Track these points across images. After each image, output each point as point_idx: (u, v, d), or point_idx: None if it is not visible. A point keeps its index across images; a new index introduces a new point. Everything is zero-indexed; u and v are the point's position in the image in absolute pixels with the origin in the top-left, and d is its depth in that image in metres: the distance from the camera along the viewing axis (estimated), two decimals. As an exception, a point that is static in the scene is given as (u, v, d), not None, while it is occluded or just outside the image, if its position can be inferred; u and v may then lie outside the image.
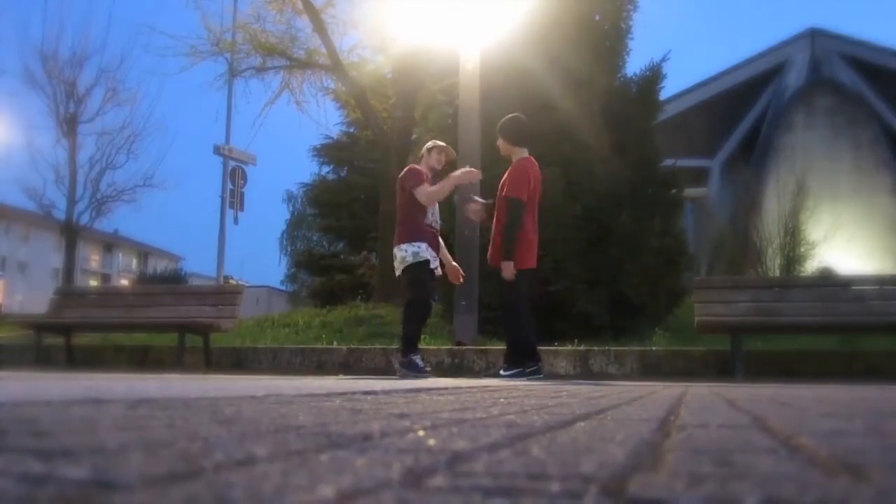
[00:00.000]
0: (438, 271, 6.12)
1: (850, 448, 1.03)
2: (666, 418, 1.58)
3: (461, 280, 6.50)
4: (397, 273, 6.08)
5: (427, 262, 5.92)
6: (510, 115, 6.25)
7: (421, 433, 1.12)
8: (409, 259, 5.90)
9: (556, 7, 9.49)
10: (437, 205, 6.21)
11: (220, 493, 0.58)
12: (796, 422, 1.53)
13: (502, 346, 7.57)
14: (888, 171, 19.55)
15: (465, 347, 7.52)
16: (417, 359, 5.86)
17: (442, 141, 6.41)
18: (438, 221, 6.25)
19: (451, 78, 10.62)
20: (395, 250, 6.01)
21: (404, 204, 6.03)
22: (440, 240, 6.27)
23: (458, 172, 6.14)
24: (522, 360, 5.93)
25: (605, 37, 10.37)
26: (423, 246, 5.92)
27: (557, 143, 9.19)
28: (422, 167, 6.20)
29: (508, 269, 5.78)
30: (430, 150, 6.27)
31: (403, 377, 5.56)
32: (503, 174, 6.16)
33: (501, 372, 5.93)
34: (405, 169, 6.25)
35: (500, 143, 6.16)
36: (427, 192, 5.97)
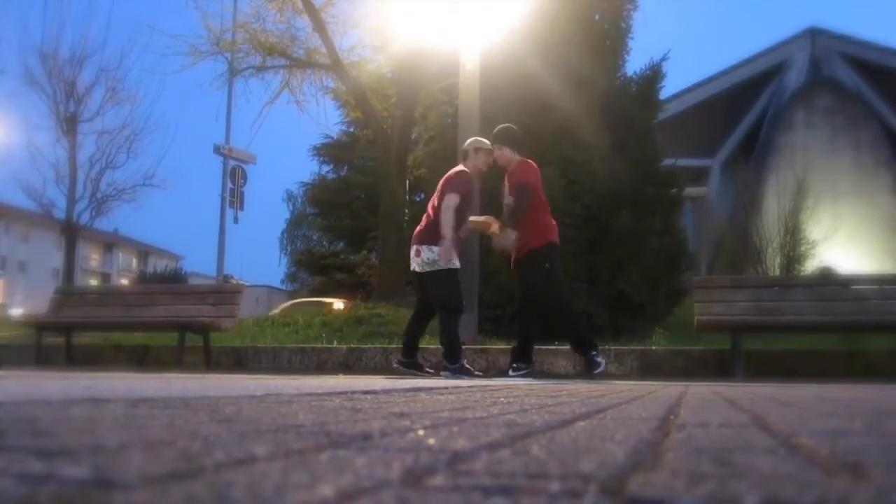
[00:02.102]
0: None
1: (851, 447, 1.03)
2: (666, 417, 1.58)
3: None
4: (419, 269, 5.95)
5: (458, 271, 5.94)
6: (502, 125, 6.26)
7: (421, 432, 1.12)
8: (442, 264, 5.84)
9: (556, 7, 9.49)
10: (469, 215, 6.13)
11: (220, 493, 0.58)
12: (796, 421, 1.53)
13: (502, 346, 7.58)
14: (888, 170, 19.56)
15: (465, 347, 7.52)
16: (466, 362, 5.94)
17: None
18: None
19: (451, 78, 10.61)
20: (424, 248, 5.88)
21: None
22: None
23: (478, 219, 6.06)
24: (593, 348, 5.95)
25: (605, 36, 10.38)
26: (455, 253, 5.92)
27: (557, 143, 9.20)
28: (467, 167, 6.10)
29: (509, 238, 5.84)
30: (477, 150, 6.12)
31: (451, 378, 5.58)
32: (502, 174, 6.18)
33: (595, 372, 5.86)
34: (456, 170, 6.10)
35: (501, 150, 6.13)
36: (448, 207, 5.82)
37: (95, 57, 20.77)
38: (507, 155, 6.12)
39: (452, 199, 5.85)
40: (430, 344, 7.92)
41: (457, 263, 5.92)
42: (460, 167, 6.16)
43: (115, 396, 1.89)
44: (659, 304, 9.37)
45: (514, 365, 6.05)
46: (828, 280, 8.66)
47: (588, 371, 5.90)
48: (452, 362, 5.91)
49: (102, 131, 20.61)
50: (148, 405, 1.60)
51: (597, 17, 10.45)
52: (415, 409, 1.72)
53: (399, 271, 11.47)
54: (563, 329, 6.23)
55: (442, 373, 5.90)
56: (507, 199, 6.05)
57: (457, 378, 5.56)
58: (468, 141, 6.36)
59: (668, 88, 12.70)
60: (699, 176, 19.42)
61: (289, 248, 35.42)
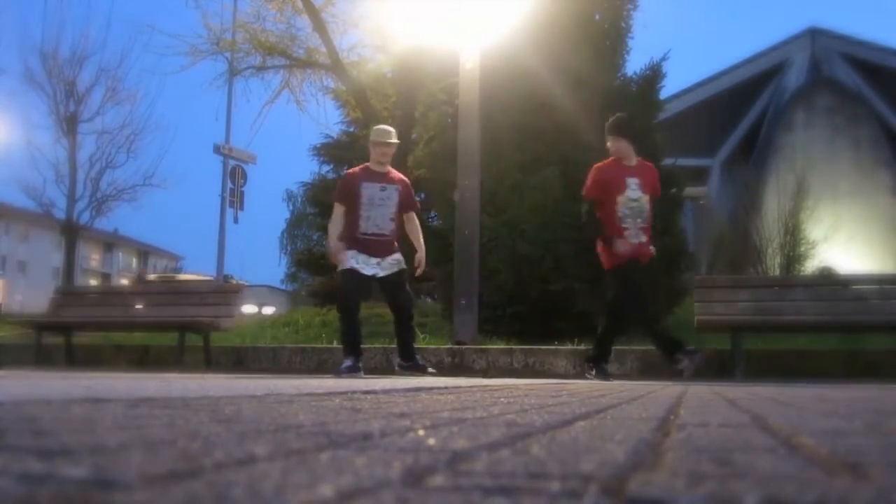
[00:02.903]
0: (380, 272, 6.06)
1: (851, 447, 1.03)
2: (666, 417, 1.58)
3: (417, 271, 6.37)
4: None
5: (350, 271, 5.96)
6: (618, 115, 6.19)
7: (421, 432, 1.12)
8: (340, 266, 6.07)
9: (556, 6, 9.48)
10: (380, 211, 6.07)
11: (220, 492, 0.58)
12: (796, 421, 1.53)
13: (502, 346, 7.58)
14: (888, 170, 19.54)
15: (464, 346, 7.52)
16: (348, 360, 5.96)
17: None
18: (381, 227, 6.08)
19: (451, 77, 10.59)
20: None
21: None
22: (415, 227, 6.26)
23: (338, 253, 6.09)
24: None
25: (605, 36, 10.36)
26: (350, 253, 5.99)
27: (558, 143, 9.19)
28: (370, 164, 6.21)
29: (628, 243, 5.99)
30: (374, 145, 6.19)
31: (342, 376, 5.63)
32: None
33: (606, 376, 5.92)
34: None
35: (619, 142, 6.02)
36: (331, 221, 6.21)
37: (95, 57, 20.81)
38: (618, 147, 6.03)
39: (335, 211, 6.18)
40: (431, 344, 7.93)
41: (347, 264, 5.98)
42: (349, 171, 6.47)
43: (115, 396, 1.89)
44: (659, 304, 9.35)
45: (678, 356, 5.92)
46: (828, 280, 8.65)
47: (605, 375, 5.90)
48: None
49: (102, 131, 20.65)
50: (148, 405, 1.60)
51: (597, 17, 10.44)
52: (415, 409, 1.72)
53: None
54: (609, 336, 6.25)
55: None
56: (634, 194, 5.93)
57: (345, 376, 5.62)
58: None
59: (668, 88, 12.66)
60: (699, 176, 19.40)
61: (289, 248, 35.39)
